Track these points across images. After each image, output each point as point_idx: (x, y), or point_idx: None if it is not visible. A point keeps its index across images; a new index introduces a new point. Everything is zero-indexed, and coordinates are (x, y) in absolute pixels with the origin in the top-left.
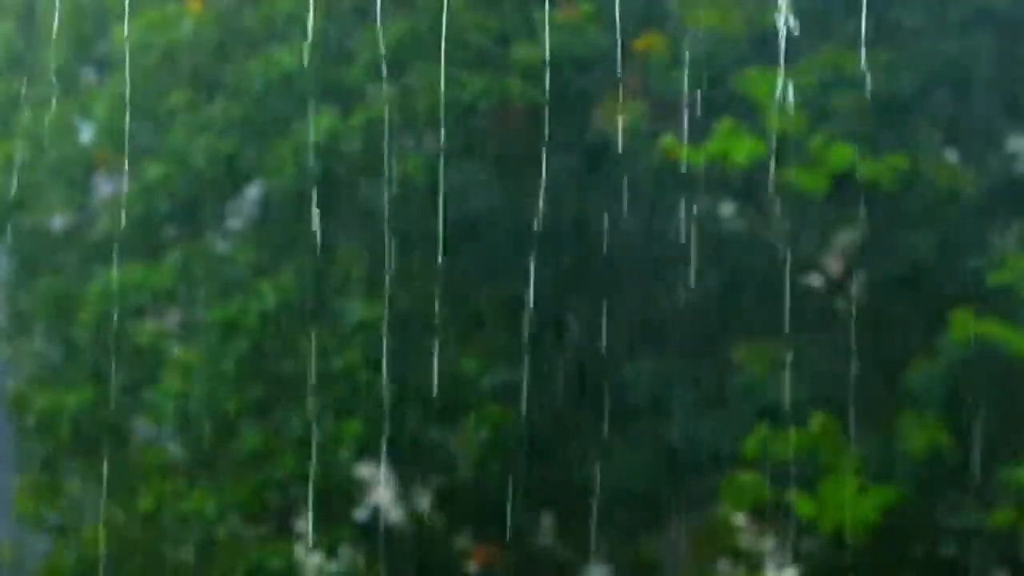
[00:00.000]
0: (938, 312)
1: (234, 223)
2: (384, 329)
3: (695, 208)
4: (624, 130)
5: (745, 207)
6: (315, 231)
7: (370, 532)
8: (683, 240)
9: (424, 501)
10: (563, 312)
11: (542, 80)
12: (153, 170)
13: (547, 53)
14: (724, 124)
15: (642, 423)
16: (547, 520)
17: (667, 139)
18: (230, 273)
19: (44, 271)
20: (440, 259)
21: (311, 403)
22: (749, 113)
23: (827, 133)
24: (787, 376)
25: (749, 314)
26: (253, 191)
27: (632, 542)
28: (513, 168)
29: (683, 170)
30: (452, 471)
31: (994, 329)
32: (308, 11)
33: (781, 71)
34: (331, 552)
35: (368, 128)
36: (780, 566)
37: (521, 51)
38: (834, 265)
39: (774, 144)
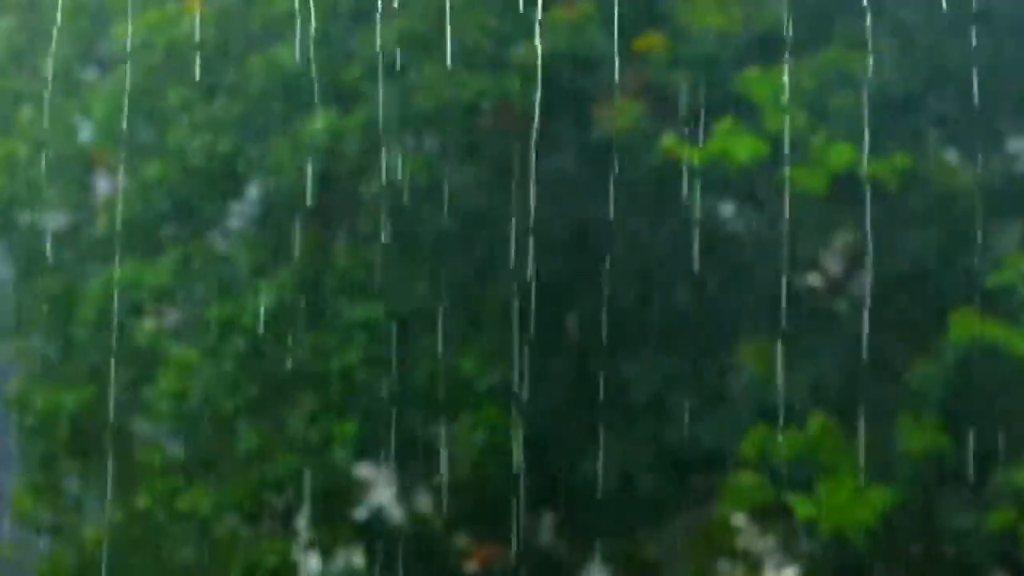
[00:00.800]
0: (938, 312)
1: (234, 223)
2: (383, 329)
3: (695, 208)
4: (624, 130)
5: (745, 207)
6: (314, 231)
7: (369, 532)
8: (683, 240)
9: (424, 501)
10: (563, 312)
11: (542, 80)
12: (152, 169)
13: (540, 53)
14: (724, 124)
15: (642, 423)
16: (547, 520)
17: (667, 139)
18: (229, 273)
19: (43, 270)
20: (439, 259)
21: (309, 402)
22: (749, 113)
23: (827, 133)
24: (787, 376)
25: (749, 314)
26: (253, 191)
27: (632, 542)
28: (513, 168)
29: (683, 170)
30: (452, 471)
31: (994, 329)
32: (308, 11)
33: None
34: (329, 552)
35: (368, 128)
36: (780, 566)
37: (521, 51)
38: (834, 265)
39: (774, 144)
